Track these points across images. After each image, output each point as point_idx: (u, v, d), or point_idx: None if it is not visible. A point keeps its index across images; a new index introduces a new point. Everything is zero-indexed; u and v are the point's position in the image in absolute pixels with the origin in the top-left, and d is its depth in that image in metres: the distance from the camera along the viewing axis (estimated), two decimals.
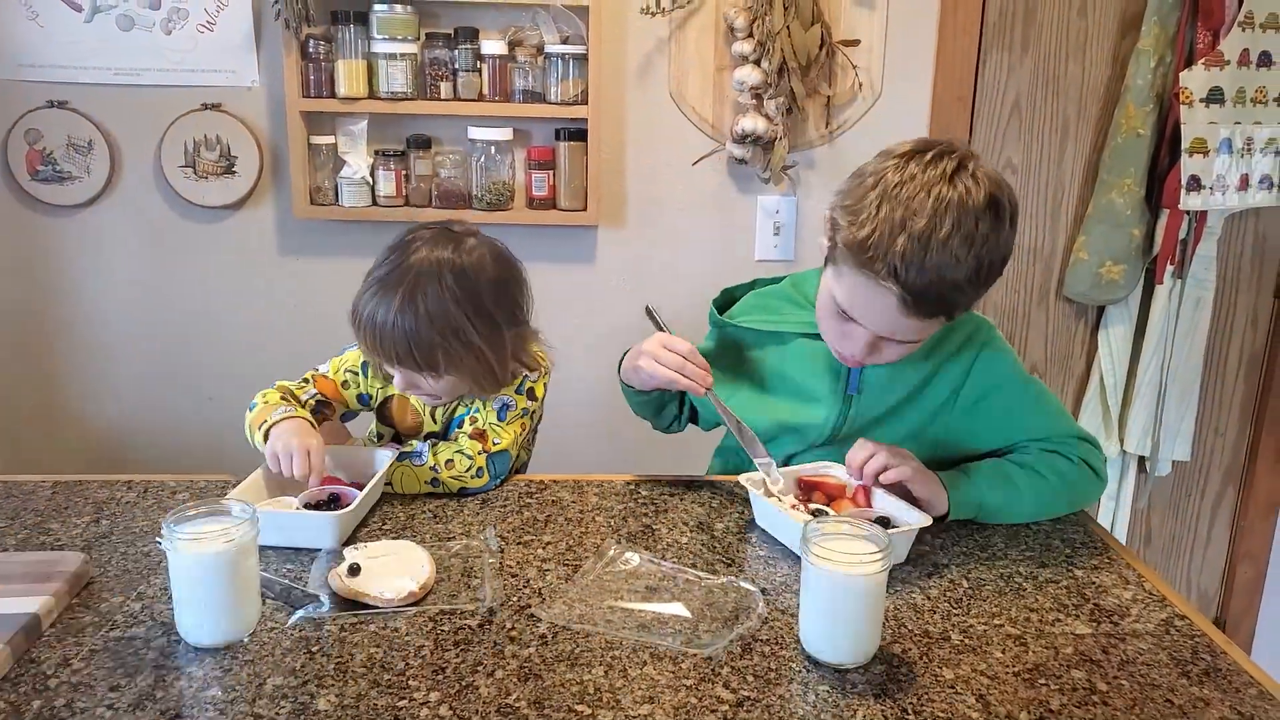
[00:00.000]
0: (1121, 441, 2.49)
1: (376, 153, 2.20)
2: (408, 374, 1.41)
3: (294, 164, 2.18)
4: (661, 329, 1.48)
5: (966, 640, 1.11)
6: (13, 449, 2.44)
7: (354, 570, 1.15)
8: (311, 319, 2.33)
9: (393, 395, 1.53)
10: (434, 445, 1.44)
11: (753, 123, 2.18)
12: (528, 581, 1.20)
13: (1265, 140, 2.29)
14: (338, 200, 2.23)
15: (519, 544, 1.29)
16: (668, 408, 1.63)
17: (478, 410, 1.50)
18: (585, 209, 2.24)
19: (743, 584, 1.19)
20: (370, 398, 1.54)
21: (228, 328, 2.37)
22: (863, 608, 1.04)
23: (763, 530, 1.35)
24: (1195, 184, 2.24)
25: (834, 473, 1.41)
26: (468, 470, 1.42)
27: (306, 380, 1.51)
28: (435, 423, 1.53)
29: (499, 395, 1.48)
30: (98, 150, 2.21)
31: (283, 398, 1.46)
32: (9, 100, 2.20)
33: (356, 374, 1.53)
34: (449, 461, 1.42)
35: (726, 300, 1.59)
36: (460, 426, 1.51)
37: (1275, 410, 2.55)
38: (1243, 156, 2.29)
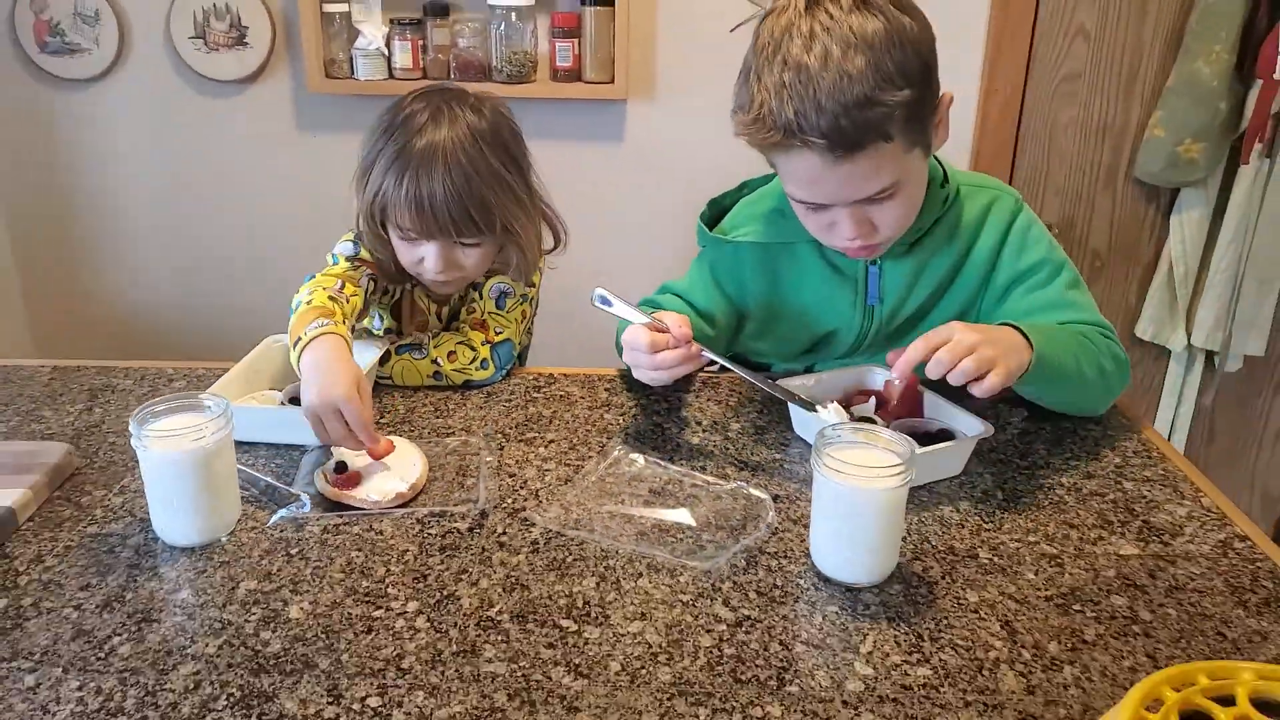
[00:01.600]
0: (1189, 334, 2.34)
1: (392, 21, 2.07)
2: (448, 249, 1.32)
3: (306, 34, 2.06)
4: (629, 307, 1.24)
5: (995, 559, 1.01)
6: (36, 329, 2.43)
7: (340, 468, 1.09)
8: (331, 197, 2.23)
9: (406, 292, 1.46)
10: (435, 336, 1.37)
11: None
12: (525, 482, 1.13)
13: None
14: (353, 73, 2.11)
15: (520, 441, 1.22)
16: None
17: (474, 301, 1.42)
18: (613, 81, 2.10)
19: (753, 490, 1.11)
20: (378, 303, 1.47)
21: (246, 207, 2.30)
22: (876, 525, 0.95)
23: (779, 433, 1.25)
24: None
25: (879, 375, 1.29)
26: (472, 362, 1.34)
27: (353, 262, 1.36)
28: (440, 321, 1.47)
29: (495, 281, 1.41)
30: (105, 20, 2.11)
31: (331, 298, 1.27)
32: None
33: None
34: (451, 353, 1.34)
35: (716, 213, 1.45)
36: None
37: None
38: None
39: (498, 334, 1.38)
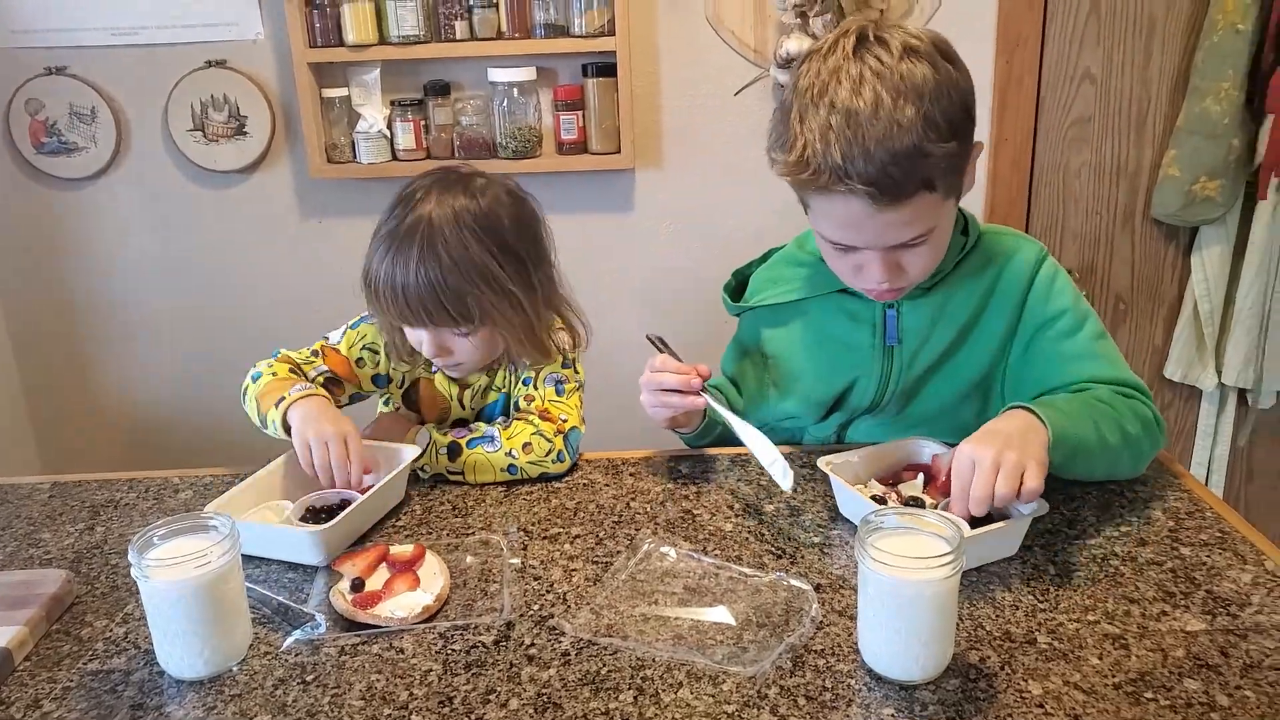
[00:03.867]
0: (1219, 373, 2.28)
1: (393, 103, 2.05)
2: (437, 335, 1.27)
3: (306, 120, 2.04)
4: (661, 348, 1.32)
5: (1056, 644, 0.95)
6: (40, 432, 2.39)
7: (357, 586, 1.03)
8: (338, 283, 2.19)
9: (420, 378, 1.40)
10: (505, 426, 1.30)
11: (798, 44, 1.98)
12: (551, 585, 1.07)
13: None
14: (355, 157, 2.09)
15: (544, 538, 1.16)
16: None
17: (530, 389, 1.35)
18: (619, 151, 2.07)
19: (793, 581, 1.05)
20: (387, 379, 1.40)
21: (251, 298, 2.27)
22: (929, 618, 0.88)
23: (815, 513, 1.19)
24: None
25: (926, 448, 1.22)
26: (548, 454, 1.28)
27: (316, 353, 1.36)
28: (464, 409, 1.40)
29: (550, 371, 1.35)
30: (102, 118, 2.10)
31: (291, 371, 1.31)
32: (6, 69, 2.10)
33: (375, 352, 1.38)
34: (526, 445, 1.27)
35: (740, 281, 1.44)
36: (496, 416, 1.38)
37: None
38: None
39: (564, 421, 1.31)
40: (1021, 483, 1.02)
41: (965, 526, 0.91)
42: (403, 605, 1.01)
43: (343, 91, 2.06)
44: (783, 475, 1.16)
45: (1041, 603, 1.01)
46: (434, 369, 1.37)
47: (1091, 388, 1.23)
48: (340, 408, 1.31)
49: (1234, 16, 2.00)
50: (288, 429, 1.22)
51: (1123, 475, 1.24)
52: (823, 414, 1.37)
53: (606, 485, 1.28)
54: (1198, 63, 2.06)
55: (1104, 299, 2.29)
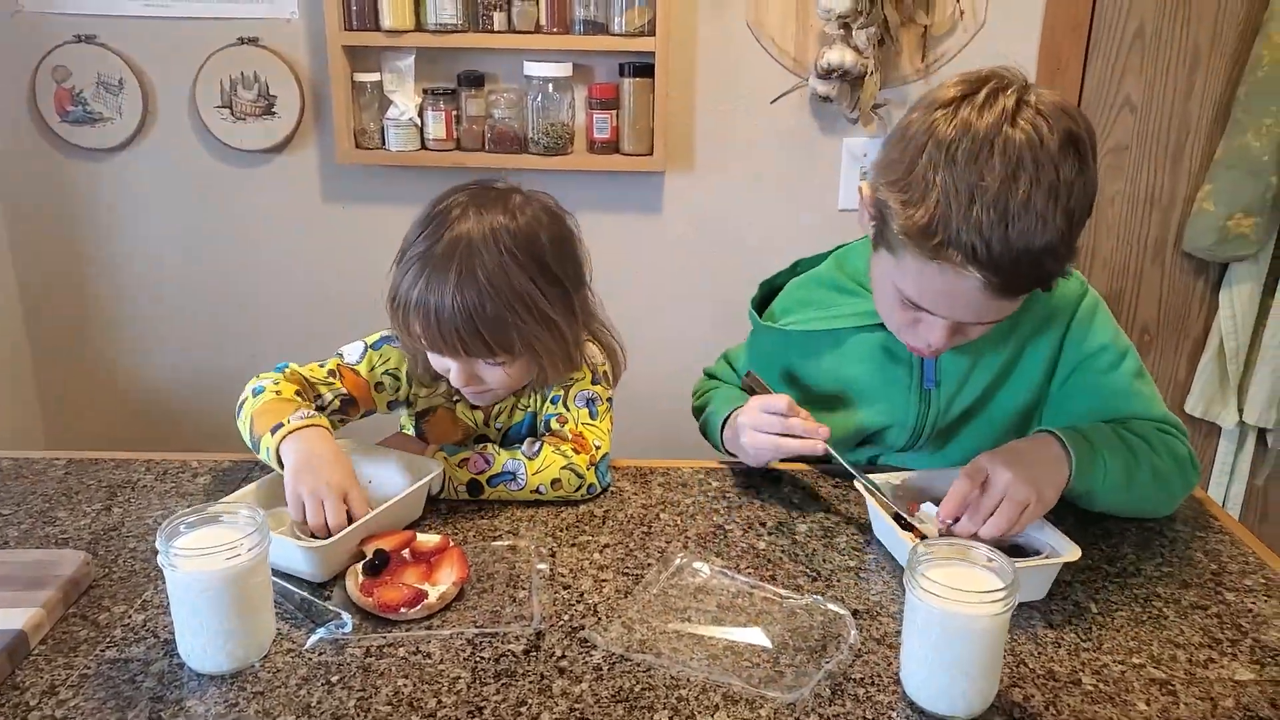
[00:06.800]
0: (1240, 411, 2.25)
1: (425, 91, 2.02)
2: (469, 365, 1.18)
3: (337, 104, 2.01)
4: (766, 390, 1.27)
5: (1101, 686, 0.92)
6: (47, 407, 2.35)
7: (371, 569, 1.01)
8: (360, 269, 2.17)
9: (436, 406, 1.31)
10: (532, 455, 1.21)
11: (839, 55, 1.95)
12: (582, 595, 1.04)
13: None
14: (384, 144, 2.06)
15: (573, 546, 1.13)
16: None
17: (561, 408, 1.27)
18: (651, 153, 2.04)
19: (830, 605, 1.02)
20: (408, 404, 1.33)
21: (270, 281, 2.24)
22: (977, 653, 0.86)
23: (850, 535, 1.17)
24: None
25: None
26: (578, 489, 1.22)
27: (334, 374, 1.25)
28: (490, 428, 1.32)
29: (581, 389, 1.28)
30: (129, 89, 2.07)
31: (298, 393, 1.20)
32: (35, 35, 2.06)
33: (397, 378, 1.29)
34: (556, 481, 1.20)
35: (768, 293, 1.38)
36: (524, 434, 1.31)
37: None
38: None
39: (597, 448, 1.24)
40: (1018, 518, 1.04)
41: (1013, 564, 0.88)
42: (414, 590, 0.99)
43: (375, 76, 2.03)
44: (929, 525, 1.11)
45: (1085, 642, 0.98)
46: (455, 398, 1.31)
47: (1128, 422, 1.21)
48: (350, 422, 1.27)
49: (1279, 53, 1.97)
50: (280, 459, 1.12)
51: (1151, 513, 1.22)
52: (849, 450, 1.34)
53: (635, 494, 1.25)
54: (1240, 96, 2.04)
55: (1130, 329, 2.26)
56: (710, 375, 1.47)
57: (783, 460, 1.25)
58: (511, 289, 1.14)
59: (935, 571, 0.87)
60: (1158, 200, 2.18)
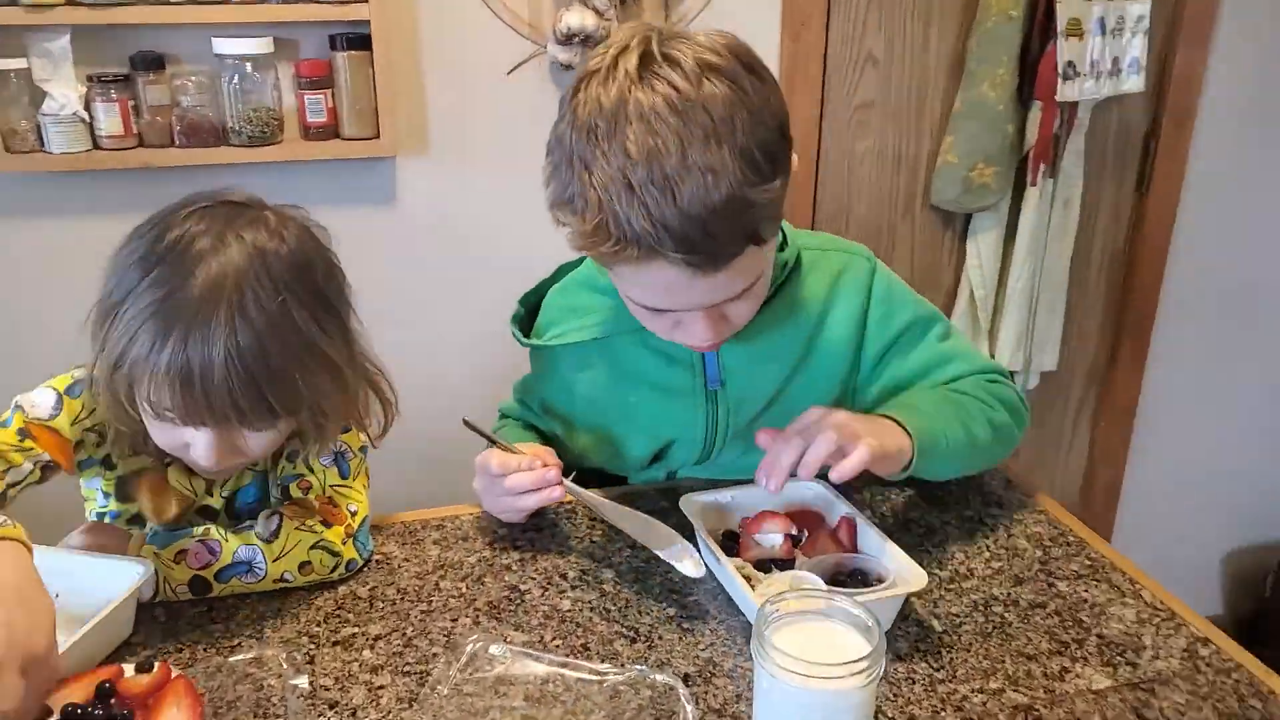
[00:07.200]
0: (992, 356, 2.31)
1: (90, 79, 1.66)
2: (226, 434, 0.91)
3: None
4: (490, 439, 1.08)
5: None
6: None
7: None
8: (22, 298, 1.79)
9: (142, 470, 1.02)
10: (268, 537, 0.98)
11: (578, 18, 1.78)
12: (354, 713, 0.82)
13: (1135, 18, 2.09)
14: (43, 145, 1.68)
15: (335, 644, 0.91)
16: None
17: (302, 468, 1.05)
18: (377, 136, 1.79)
19: (656, 676, 0.86)
20: (105, 465, 1.03)
21: None
22: None
23: (662, 572, 1.02)
24: (1071, 70, 2.02)
25: (835, 505, 1.05)
26: (333, 570, 0.99)
27: (23, 433, 0.95)
28: (213, 496, 1.05)
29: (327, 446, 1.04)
30: None
31: None
32: None
33: (102, 436, 0.99)
34: (305, 565, 0.98)
35: (531, 309, 1.21)
36: (255, 502, 1.06)
37: (1135, 308, 2.43)
38: (1114, 37, 2.07)
39: (353, 513, 1.03)
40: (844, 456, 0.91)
41: (878, 619, 0.75)
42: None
43: (21, 63, 1.65)
44: (689, 563, 0.96)
45: (938, 671, 0.88)
46: (167, 459, 1.01)
47: (956, 381, 1.15)
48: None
49: (1005, 3, 1.99)
50: None
51: (995, 464, 1.20)
52: (643, 467, 1.19)
53: (406, 561, 1.04)
54: (972, 48, 2.05)
55: None
56: (503, 415, 1.29)
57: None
58: (299, 336, 0.89)
59: (787, 635, 0.73)
60: (905, 156, 2.17)
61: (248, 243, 0.88)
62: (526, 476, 1.00)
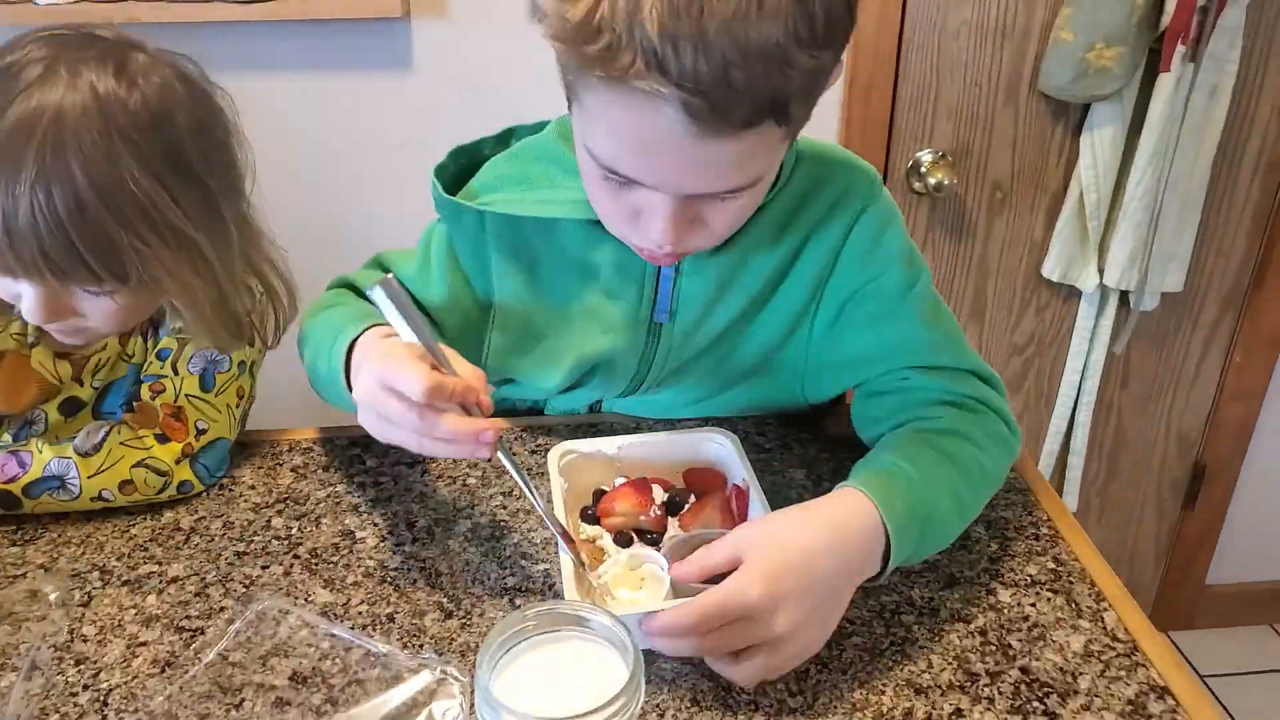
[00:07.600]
0: (1101, 273, 2.00)
1: None
2: (56, 293, 0.83)
3: None
4: (404, 318, 0.75)
5: None
6: None
7: None
8: None
9: (3, 351, 0.93)
10: (84, 457, 0.88)
11: None
12: (97, 675, 0.73)
13: None
14: None
15: (125, 584, 0.82)
16: None
17: (165, 368, 0.94)
18: None
19: (449, 669, 0.73)
20: None
21: None
22: None
23: (533, 540, 0.87)
24: None
25: (732, 463, 0.87)
26: (161, 490, 0.90)
27: None
28: (84, 385, 0.96)
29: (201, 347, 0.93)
30: None
31: None
32: None
33: None
34: (126, 484, 0.89)
35: (465, 166, 1.00)
36: (131, 397, 0.96)
37: None
38: None
39: (200, 430, 0.93)
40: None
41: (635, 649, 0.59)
42: None
43: None
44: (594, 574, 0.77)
45: (792, 699, 0.71)
46: (32, 339, 0.93)
47: (913, 382, 0.91)
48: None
49: None
50: None
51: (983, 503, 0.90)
52: (558, 391, 1.02)
53: (251, 490, 0.93)
54: None
55: (980, 188, 1.96)
56: (343, 286, 1.02)
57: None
58: (123, 188, 0.78)
59: (531, 661, 0.59)
60: (1009, 30, 1.84)
61: (84, 79, 0.78)
62: (461, 424, 0.73)
